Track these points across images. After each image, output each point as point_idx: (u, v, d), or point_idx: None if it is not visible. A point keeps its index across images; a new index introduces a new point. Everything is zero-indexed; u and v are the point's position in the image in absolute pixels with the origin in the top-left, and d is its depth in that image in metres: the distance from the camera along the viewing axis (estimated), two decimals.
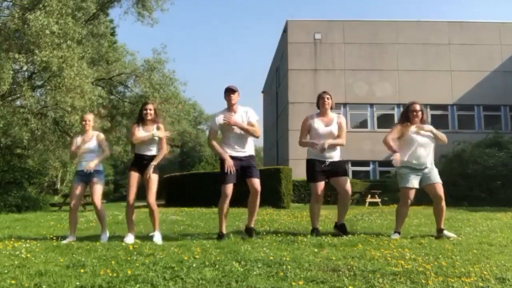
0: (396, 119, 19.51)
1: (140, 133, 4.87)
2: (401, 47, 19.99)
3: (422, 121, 4.86)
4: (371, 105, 19.87)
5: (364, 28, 20.32)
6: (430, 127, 4.86)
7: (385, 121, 19.80)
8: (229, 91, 4.82)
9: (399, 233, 4.79)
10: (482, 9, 71.54)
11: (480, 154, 14.23)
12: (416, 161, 4.76)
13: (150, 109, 4.93)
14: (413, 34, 20.11)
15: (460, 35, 20.13)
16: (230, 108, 4.86)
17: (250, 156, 4.87)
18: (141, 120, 4.95)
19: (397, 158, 4.64)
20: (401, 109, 19.57)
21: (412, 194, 4.75)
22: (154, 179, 4.80)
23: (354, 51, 19.97)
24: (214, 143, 4.84)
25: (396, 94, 19.69)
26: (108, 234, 5.06)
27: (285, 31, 21.03)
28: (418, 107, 4.85)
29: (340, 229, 4.94)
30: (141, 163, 4.84)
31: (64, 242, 4.66)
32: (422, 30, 20.18)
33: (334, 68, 19.88)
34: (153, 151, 4.89)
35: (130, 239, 4.66)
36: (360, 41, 20.08)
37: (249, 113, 4.86)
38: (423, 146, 4.77)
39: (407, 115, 4.89)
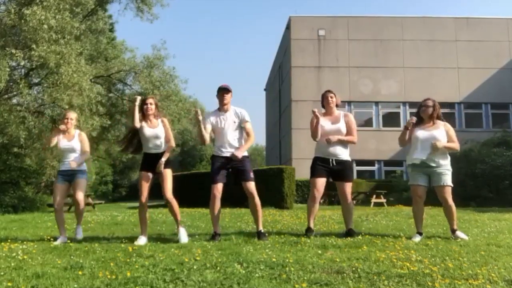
0: (401, 117, 19.50)
1: (146, 130, 4.70)
2: (407, 43, 19.69)
3: (432, 118, 4.72)
4: (376, 103, 19.59)
5: (369, 24, 20.02)
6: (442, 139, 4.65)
7: (390, 120, 19.56)
8: (223, 90, 4.77)
9: (420, 233, 4.66)
10: (488, 8, 71.10)
11: (488, 153, 14.11)
12: (418, 159, 4.62)
13: (151, 103, 4.75)
14: (419, 31, 19.82)
15: (467, 31, 19.81)
16: (221, 107, 4.82)
17: (244, 157, 4.75)
18: (143, 115, 4.74)
19: (411, 120, 4.66)
20: (407, 107, 19.46)
21: (419, 191, 4.65)
22: (168, 173, 4.69)
23: (358, 48, 19.67)
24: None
25: (402, 91, 19.43)
26: (82, 233, 5.12)
27: (288, 27, 20.77)
28: (430, 102, 4.72)
29: (348, 234, 4.81)
30: (152, 162, 4.69)
31: (56, 243, 4.61)
32: (428, 27, 19.88)
33: (338, 65, 19.58)
34: (162, 147, 4.77)
35: (142, 240, 4.53)
36: (365, 37, 19.79)
37: (242, 114, 4.83)
38: (426, 143, 4.60)
39: (419, 110, 4.78)
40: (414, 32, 19.81)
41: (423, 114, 4.70)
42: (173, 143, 4.78)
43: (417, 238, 4.50)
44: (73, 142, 5.10)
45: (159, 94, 14.44)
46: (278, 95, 24.12)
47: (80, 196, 5.05)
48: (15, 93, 12.61)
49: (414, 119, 4.70)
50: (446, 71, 19.36)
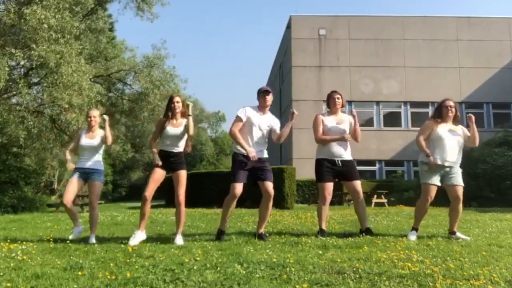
0: (402, 117, 19.44)
1: (169, 129, 4.64)
2: (408, 43, 19.63)
3: (456, 119, 4.80)
4: (377, 102, 19.52)
5: (370, 24, 19.96)
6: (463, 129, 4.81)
7: (391, 119, 19.51)
8: (265, 92, 4.84)
9: (416, 229, 4.75)
10: (489, 8, 71.00)
11: (489, 153, 14.04)
12: (441, 159, 4.65)
13: (178, 102, 4.72)
14: (420, 30, 19.77)
15: (468, 31, 19.75)
16: (263, 109, 4.86)
17: (265, 159, 4.84)
18: (170, 114, 4.69)
19: (432, 161, 4.60)
20: (408, 107, 19.40)
21: (433, 191, 4.68)
22: (183, 175, 4.65)
23: (359, 47, 19.61)
24: (238, 133, 4.68)
25: (403, 91, 19.38)
26: (94, 239, 4.82)
27: (288, 27, 20.71)
28: (452, 103, 4.78)
29: (366, 233, 4.85)
30: (167, 160, 4.63)
31: (73, 234, 4.91)
32: (429, 26, 19.83)
33: (339, 65, 19.52)
34: (180, 148, 4.72)
35: (139, 235, 4.48)
36: (366, 37, 19.72)
37: (276, 123, 5.00)
38: (451, 145, 4.66)
39: (441, 110, 4.78)
40: (415, 31, 19.75)
41: (449, 114, 4.72)
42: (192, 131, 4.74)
43: (414, 235, 4.61)
44: (94, 141, 4.99)
45: (159, 94, 14.41)
46: (279, 95, 24.06)
47: (96, 202, 4.97)
48: (14, 92, 12.57)
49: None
50: (447, 71, 19.30)
